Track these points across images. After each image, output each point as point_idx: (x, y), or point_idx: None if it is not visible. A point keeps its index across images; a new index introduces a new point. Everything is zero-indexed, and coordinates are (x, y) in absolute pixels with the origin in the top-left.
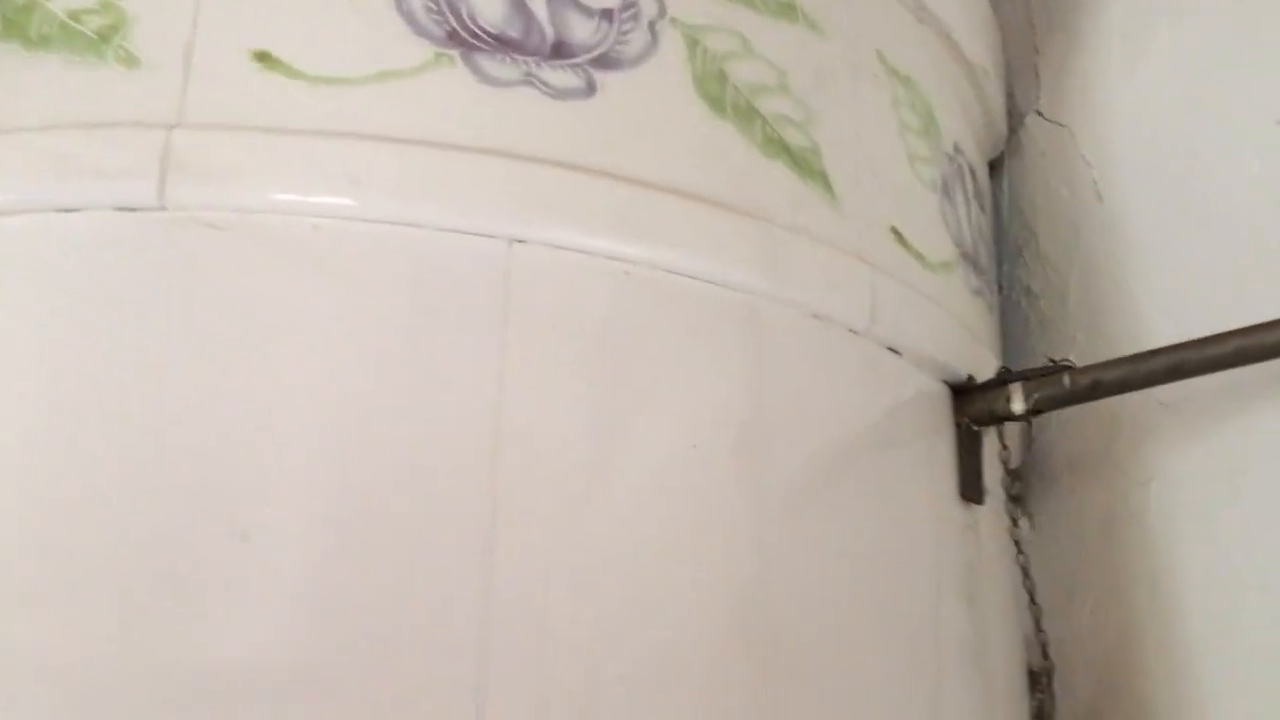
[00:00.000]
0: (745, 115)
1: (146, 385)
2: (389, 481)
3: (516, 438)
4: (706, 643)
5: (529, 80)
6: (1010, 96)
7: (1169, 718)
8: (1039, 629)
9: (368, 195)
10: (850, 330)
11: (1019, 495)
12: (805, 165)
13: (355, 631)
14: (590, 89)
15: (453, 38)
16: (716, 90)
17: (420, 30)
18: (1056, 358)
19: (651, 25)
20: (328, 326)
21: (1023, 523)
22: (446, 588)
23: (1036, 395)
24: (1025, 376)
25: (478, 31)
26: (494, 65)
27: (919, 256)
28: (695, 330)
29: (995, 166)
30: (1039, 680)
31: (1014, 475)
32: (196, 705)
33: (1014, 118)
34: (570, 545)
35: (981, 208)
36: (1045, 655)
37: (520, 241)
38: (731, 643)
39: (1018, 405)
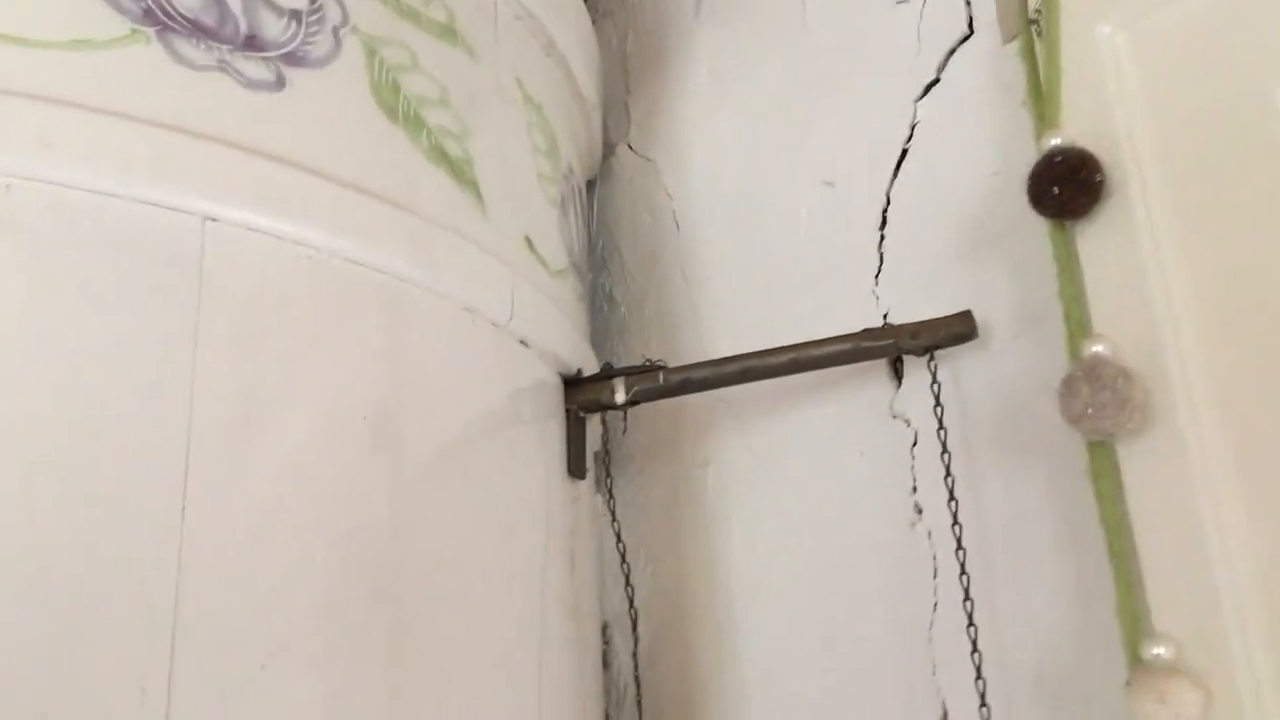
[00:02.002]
0: (414, 124)
1: None
2: (82, 448)
3: (208, 411)
4: (352, 603)
5: (223, 67)
6: (605, 127)
7: (712, 660)
8: (628, 584)
9: (63, 160)
10: (493, 324)
11: (607, 474)
12: (461, 174)
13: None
14: (280, 83)
15: (149, 16)
16: (391, 98)
17: (117, 5)
18: (638, 359)
19: (336, 31)
20: (20, 288)
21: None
22: (144, 558)
23: (636, 388)
24: (627, 372)
25: (174, 13)
26: (189, 48)
27: (544, 263)
28: (353, 313)
29: (589, 186)
30: (603, 632)
31: (604, 456)
32: None
33: (607, 147)
34: (230, 516)
35: (584, 224)
36: (632, 606)
37: (213, 220)
38: (373, 602)
39: (620, 396)
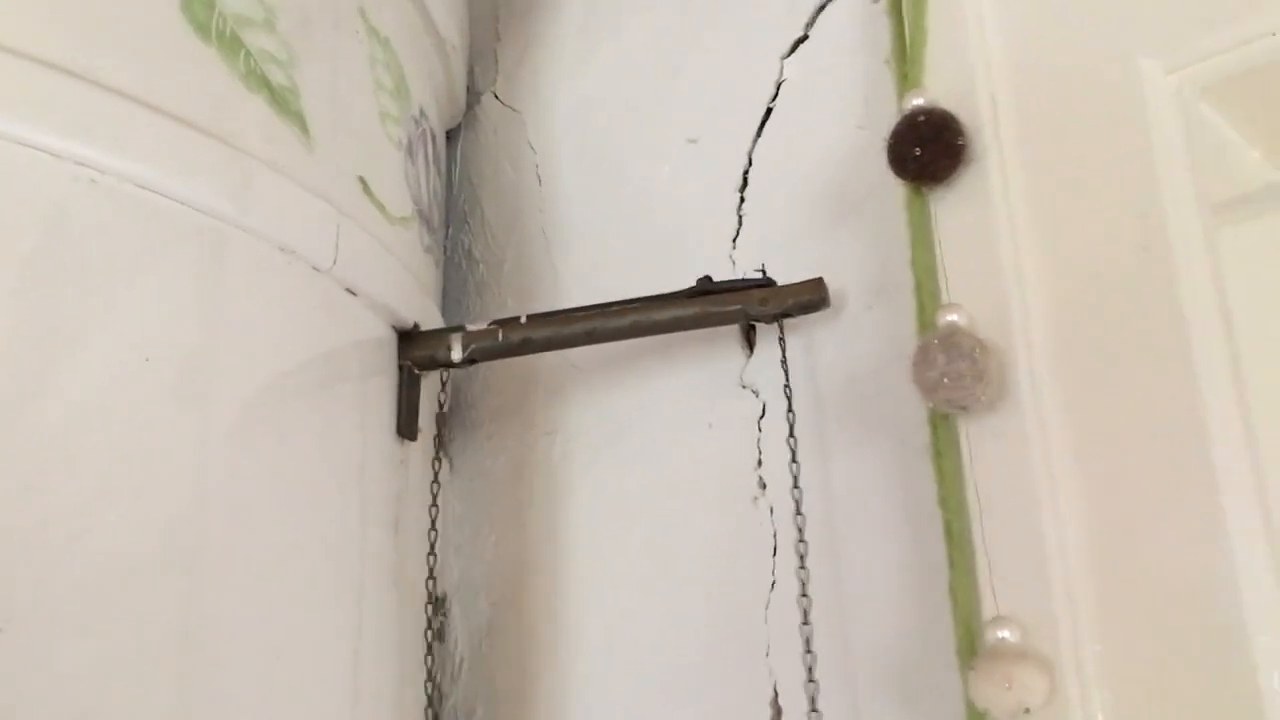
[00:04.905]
0: (230, 45)
1: None
2: None
3: None
4: (141, 562)
5: None
6: (471, 74)
7: (548, 634)
8: (432, 552)
9: None
10: (313, 268)
11: (446, 437)
12: (284, 104)
13: None
14: None
15: None
16: (203, 14)
17: None
18: (491, 317)
19: None
20: None
21: (444, 463)
22: None
23: (474, 346)
24: (464, 329)
25: None
26: None
27: (381, 207)
28: (157, 248)
29: (452, 136)
30: (441, 604)
31: (444, 418)
32: None
33: (472, 94)
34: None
35: (438, 173)
36: (431, 576)
37: None
38: (164, 561)
39: (457, 353)
